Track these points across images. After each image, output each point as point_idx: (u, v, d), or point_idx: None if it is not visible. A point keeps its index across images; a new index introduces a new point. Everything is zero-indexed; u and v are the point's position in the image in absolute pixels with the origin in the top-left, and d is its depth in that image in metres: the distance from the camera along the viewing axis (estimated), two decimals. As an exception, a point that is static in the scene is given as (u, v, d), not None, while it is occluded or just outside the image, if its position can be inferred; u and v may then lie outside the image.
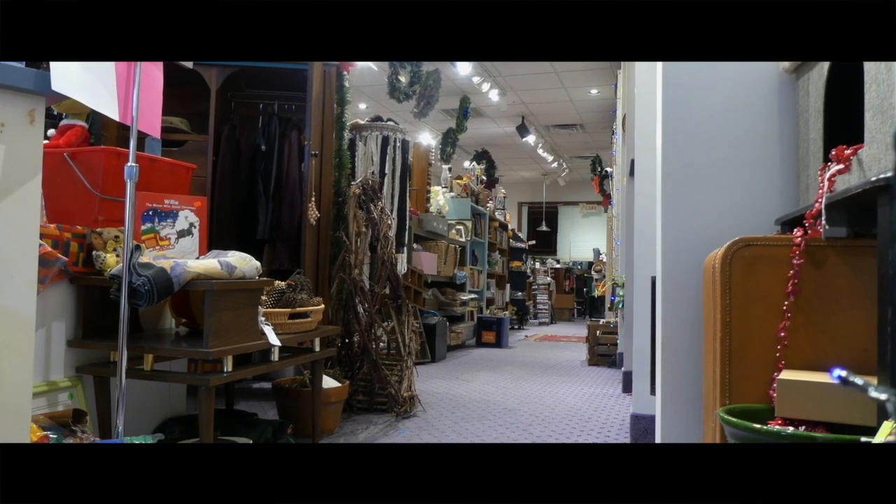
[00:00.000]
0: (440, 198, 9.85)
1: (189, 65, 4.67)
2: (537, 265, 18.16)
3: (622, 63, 7.83)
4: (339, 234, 5.01)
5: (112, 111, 2.79)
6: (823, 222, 1.83)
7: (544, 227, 21.01)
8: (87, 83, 2.56)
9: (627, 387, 5.75)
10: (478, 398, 5.49)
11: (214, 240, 4.69)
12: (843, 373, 1.09)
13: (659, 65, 2.73)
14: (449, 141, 11.48)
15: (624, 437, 4.23)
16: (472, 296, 10.29)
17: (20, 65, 1.89)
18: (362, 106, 13.56)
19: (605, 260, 15.39)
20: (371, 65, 10.31)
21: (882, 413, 1.50)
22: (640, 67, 4.54)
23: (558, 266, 19.31)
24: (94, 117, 3.85)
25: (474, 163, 13.92)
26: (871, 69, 1.63)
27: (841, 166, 1.74)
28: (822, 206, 1.81)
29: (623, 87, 7.46)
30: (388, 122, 6.75)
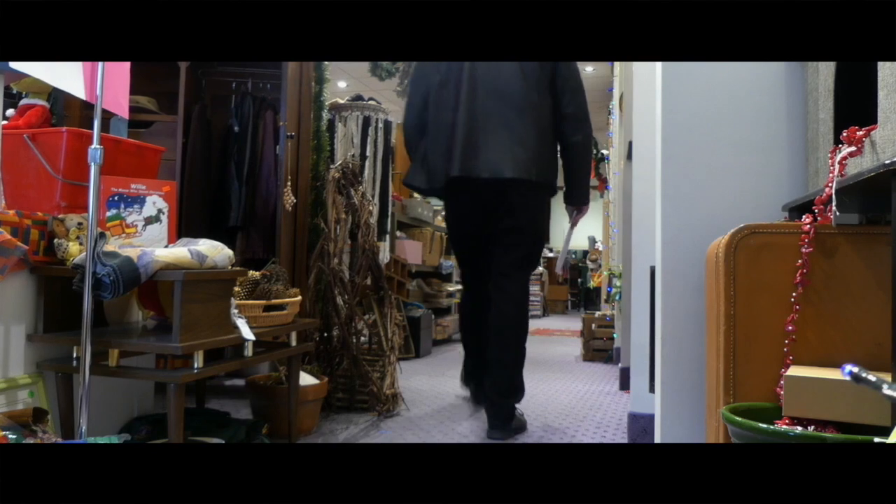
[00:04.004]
0: (426, 182, 9.81)
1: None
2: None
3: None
4: (317, 221, 5.00)
5: (76, 89, 2.78)
6: (834, 208, 1.83)
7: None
8: (48, 59, 2.54)
9: (625, 384, 5.75)
10: (466, 396, 5.49)
11: (184, 227, 4.69)
12: (855, 369, 1.09)
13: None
14: (434, 122, 11.43)
15: (621, 438, 4.24)
16: (460, 287, 10.26)
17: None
18: (342, 84, 13.53)
19: (600, 248, 15.41)
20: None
21: (896, 411, 1.50)
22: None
23: (551, 255, 19.30)
24: (56, 96, 3.84)
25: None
26: (886, 46, 1.63)
27: (853, 148, 1.74)
28: (833, 192, 1.81)
29: (620, 65, 7.46)
30: (370, 102, 6.74)
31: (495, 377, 4.22)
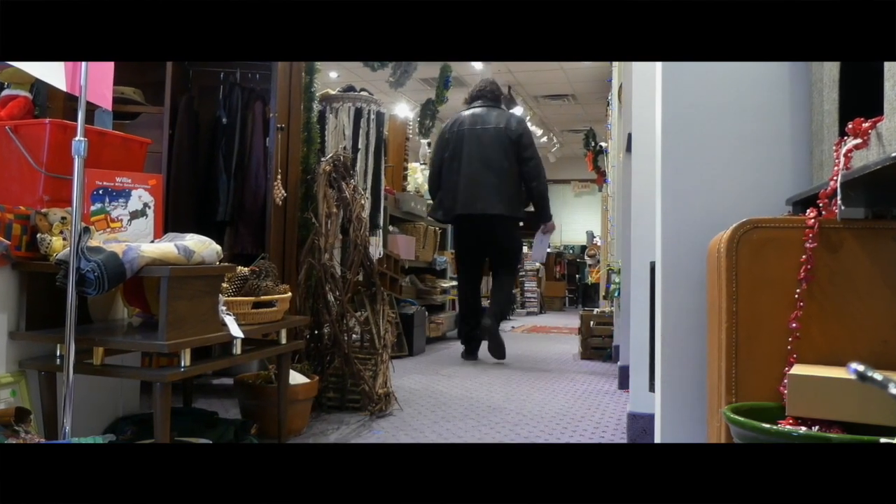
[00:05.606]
0: (418, 175, 9.82)
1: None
2: (525, 249, 18.17)
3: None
4: (308, 216, 5.00)
5: (58, 80, 2.77)
6: (839, 202, 1.83)
7: (532, 208, 20.90)
8: (30, 48, 2.53)
9: (624, 383, 5.76)
10: (460, 395, 5.50)
11: (171, 221, 4.67)
12: (861, 367, 1.09)
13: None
14: (428, 113, 11.45)
15: (620, 438, 4.25)
16: (454, 283, 10.23)
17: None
18: (333, 74, 13.52)
19: (599, 243, 15.41)
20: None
21: (902, 411, 1.51)
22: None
23: (548, 250, 19.28)
24: (38, 87, 3.83)
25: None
26: (892, 35, 1.63)
27: (858, 141, 1.74)
28: (838, 185, 1.81)
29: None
30: (362, 93, 6.73)
31: (494, 328, 7.46)
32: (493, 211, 7.21)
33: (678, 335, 2.54)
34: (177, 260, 2.92)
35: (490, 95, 7.78)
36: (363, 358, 4.93)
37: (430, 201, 9.85)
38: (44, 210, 2.99)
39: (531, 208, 7.88)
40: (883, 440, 1.39)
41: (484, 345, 7.73)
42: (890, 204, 1.97)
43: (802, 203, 2.25)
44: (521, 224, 7.94)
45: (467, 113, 7.63)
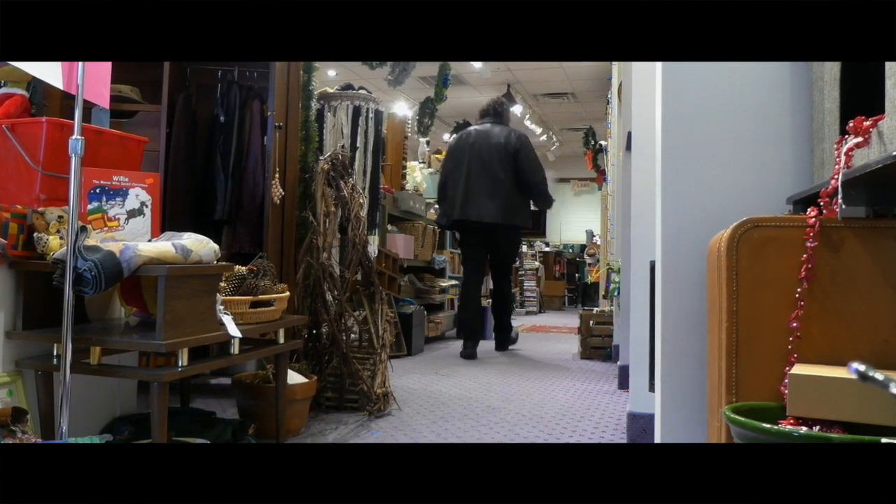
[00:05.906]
0: (417, 174, 9.82)
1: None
2: (524, 248, 18.17)
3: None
4: (306, 214, 4.99)
5: (55, 79, 2.77)
6: (840, 201, 1.83)
7: (532, 207, 20.89)
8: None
9: (624, 383, 5.76)
10: (459, 395, 5.50)
11: (168, 220, 4.67)
12: (862, 367, 1.09)
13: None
14: (427, 112, 11.44)
15: (620, 438, 4.25)
16: (453, 282, 10.24)
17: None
18: (331, 73, 13.52)
19: (598, 242, 15.41)
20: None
21: (903, 411, 1.51)
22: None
23: (547, 249, 19.28)
24: (35, 85, 3.82)
25: (454, 136, 13.90)
26: (894, 33, 1.63)
27: (859, 139, 1.74)
28: (839, 184, 1.81)
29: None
30: (360, 91, 6.72)
31: (498, 324, 8.49)
32: (487, 219, 7.76)
33: (678, 335, 2.54)
34: (174, 259, 2.92)
35: (493, 112, 8.31)
36: (361, 357, 4.93)
37: (429, 200, 9.93)
38: (40, 209, 2.98)
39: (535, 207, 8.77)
40: (884, 440, 1.39)
41: (483, 344, 8.13)
42: (891, 202, 1.97)
43: (803, 202, 2.25)
44: (522, 228, 8.43)
45: (473, 129, 8.25)
